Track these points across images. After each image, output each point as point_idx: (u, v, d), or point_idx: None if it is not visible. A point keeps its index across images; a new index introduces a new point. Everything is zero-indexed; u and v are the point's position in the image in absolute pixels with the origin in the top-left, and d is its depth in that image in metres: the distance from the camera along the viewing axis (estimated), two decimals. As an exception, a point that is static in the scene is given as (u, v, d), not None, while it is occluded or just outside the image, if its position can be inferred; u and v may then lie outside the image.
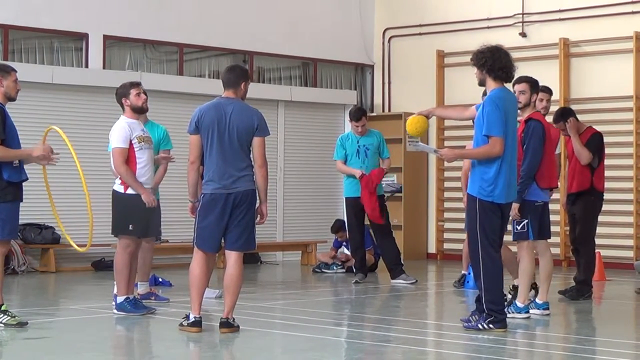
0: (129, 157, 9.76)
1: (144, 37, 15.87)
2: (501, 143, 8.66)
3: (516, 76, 9.28)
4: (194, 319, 8.62)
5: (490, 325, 8.72)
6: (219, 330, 8.59)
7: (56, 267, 14.32)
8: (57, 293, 12.48)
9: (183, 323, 8.69)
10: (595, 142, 11.05)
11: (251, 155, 8.67)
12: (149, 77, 14.93)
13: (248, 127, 8.57)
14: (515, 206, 9.50)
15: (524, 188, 9.52)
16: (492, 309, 8.72)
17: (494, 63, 8.79)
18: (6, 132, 8.70)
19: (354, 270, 13.43)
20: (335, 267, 14.78)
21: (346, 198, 13.22)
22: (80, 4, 15.21)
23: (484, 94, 9.24)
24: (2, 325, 8.76)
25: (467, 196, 8.94)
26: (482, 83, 8.94)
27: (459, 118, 10.40)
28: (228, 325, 8.59)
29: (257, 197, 8.69)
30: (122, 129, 9.80)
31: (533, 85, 9.80)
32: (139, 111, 10.01)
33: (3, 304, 8.88)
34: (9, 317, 8.81)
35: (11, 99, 8.95)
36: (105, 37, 15.45)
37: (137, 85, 10.06)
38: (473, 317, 8.96)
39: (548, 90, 10.78)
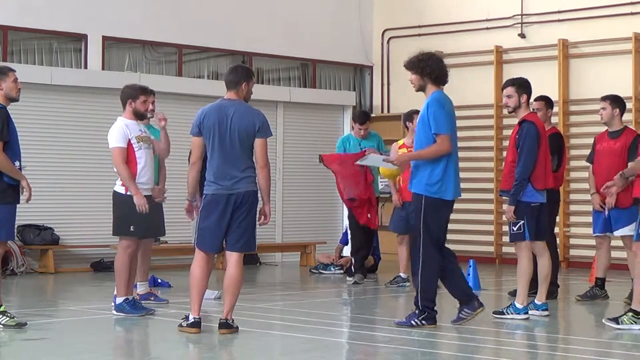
0: (129, 158, 9.76)
1: (143, 38, 15.88)
2: (449, 140, 8.91)
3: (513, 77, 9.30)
4: (193, 320, 8.62)
5: (423, 322, 8.96)
6: (218, 331, 8.59)
7: (55, 268, 14.32)
8: (56, 294, 12.48)
9: (182, 324, 8.69)
10: (553, 142, 10.57)
11: (253, 157, 8.69)
12: (148, 78, 14.92)
13: (249, 129, 8.58)
14: (510, 208, 9.56)
15: (519, 190, 9.52)
16: (428, 306, 8.97)
17: (439, 69, 9.10)
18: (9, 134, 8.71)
19: (352, 270, 13.40)
20: (333, 268, 14.79)
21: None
22: (79, 5, 15.21)
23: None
24: (1, 326, 8.75)
25: (413, 195, 9.08)
26: (421, 89, 9.15)
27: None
28: (227, 326, 8.60)
29: (259, 198, 8.70)
30: (119, 129, 9.82)
31: (520, 86, 9.79)
32: (140, 117, 10.02)
33: (2, 305, 8.88)
34: (7, 318, 8.81)
35: (13, 99, 8.92)
36: (104, 38, 15.45)
37: (147, 92, 10.05)
38: (462, 313, 9.18)
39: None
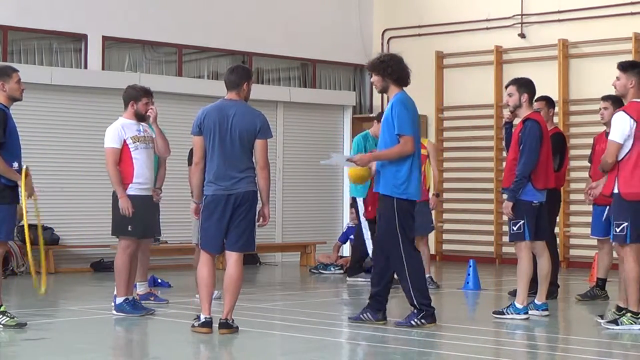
0: (125, 158, 9.76)
1: (142, 38, 15.88)
2: (412, 141, 8.99)
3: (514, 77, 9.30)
4: (204, 320, 8.62)
5: (423, 321, 9.02)
6: (218, 331, 8.59)
7: (55, 268, 14.32)
8: (56, 294, 12.46)
9: (194, 324, 8.69)
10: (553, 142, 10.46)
11: (253, 157, 8.69)
12: (148, 78, 14.92)
13: (250, 130, 8.59)
14: (508, 204, 9.57)
15: (518, 187, 9.54)
16: (424, 304, 9.04)
17: (400, 70, 9.14)
18: (7, 136, 8.68)
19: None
20: (333, 268, 14.79)
21: (364, 199, 13.18)
22: (79, 5, 15.21)
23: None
24: (1, 326, 8.75)
25: (381, 197, 9.12)
26: (384, 90, 9.23)
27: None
28: (227, 326, 8.59)
29: (258, 199, 8.71)
30: (114, 130, 9.84)
31: (521, 85, 9.79)
32: (140, 118, 10.03)
33: (2, 305, 8.88)
34: (8, 318, 8.81)
35: (16, 99, 8.93)
36: (104, 38, 15.45)
37: (149, 95, 10.07)
38: (364, 314, 9.24)
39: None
